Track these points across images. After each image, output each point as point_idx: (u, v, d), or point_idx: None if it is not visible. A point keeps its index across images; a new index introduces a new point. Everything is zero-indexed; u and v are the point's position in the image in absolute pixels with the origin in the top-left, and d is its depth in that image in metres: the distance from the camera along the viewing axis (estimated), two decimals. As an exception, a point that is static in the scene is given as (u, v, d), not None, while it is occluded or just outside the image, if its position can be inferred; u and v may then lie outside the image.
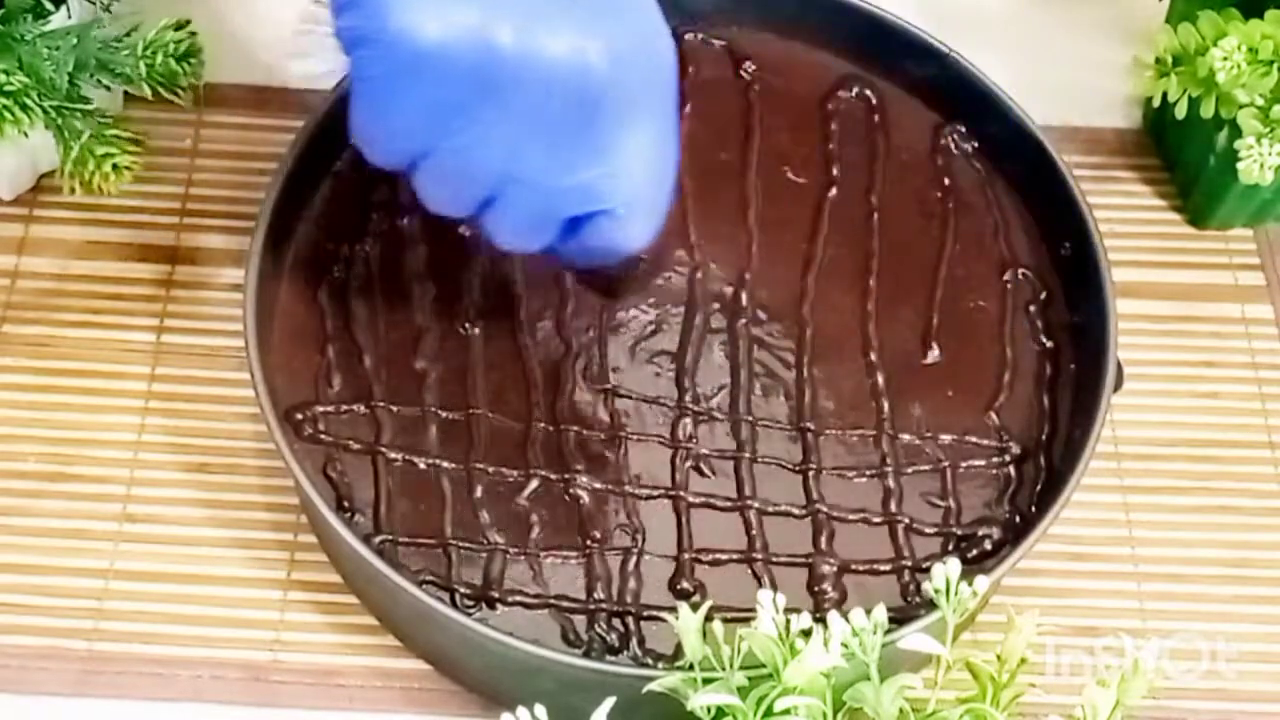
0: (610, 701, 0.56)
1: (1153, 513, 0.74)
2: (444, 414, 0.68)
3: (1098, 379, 0.67)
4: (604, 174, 0.58)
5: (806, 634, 0.56)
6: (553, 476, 0.67)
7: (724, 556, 0.66)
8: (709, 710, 0.57)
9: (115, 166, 0.72)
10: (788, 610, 0.56)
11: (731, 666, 0.57)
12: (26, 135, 0.70)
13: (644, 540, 0.66)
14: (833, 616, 0.56)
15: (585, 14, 0.56)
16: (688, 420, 0.69)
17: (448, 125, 0.57)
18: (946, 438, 0.69)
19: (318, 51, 0.66)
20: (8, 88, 0.68)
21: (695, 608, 0.57)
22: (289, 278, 0.70)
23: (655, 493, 0.67)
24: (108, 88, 0.73)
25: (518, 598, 0.65)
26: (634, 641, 0.64)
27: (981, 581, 0.58)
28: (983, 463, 0.69)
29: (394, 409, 0.68)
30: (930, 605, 0.59)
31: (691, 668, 0.57)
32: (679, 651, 0.59)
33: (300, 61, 0.66)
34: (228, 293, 0.76)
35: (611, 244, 0.61)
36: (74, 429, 0.73)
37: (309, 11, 0.67)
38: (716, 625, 0.57)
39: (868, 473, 0.68)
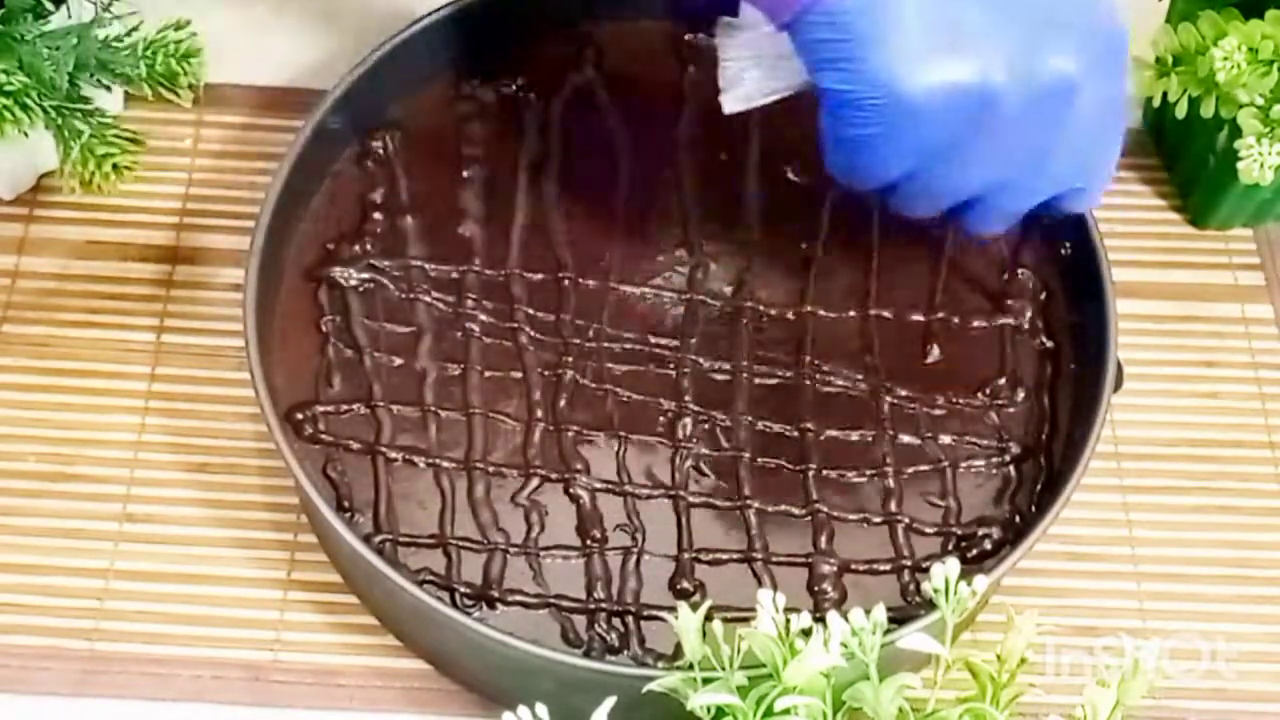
0: (610, 701, 0.56)
1: (1152, 513, 0.74)
2: (444, 414, 0.68)
3: (1098, 379, 0.67)
4: (1076, 163, 0.60)
5: (806, 634, 0.56)
6: (553, 476, 0.67)
7: (724, 556, 0.66)
8: (709, 710, 0.56)
9: (115, 166, 0.72)
10: (788, 610, 0.56)
11: (731, 666, 0.57)
12: (26, 135, 0.70)
13: (644, 540, 0.66)
14: (832, 616, 0.56)
15: (1062, 28, 0.56)
16: (688, 420, 0.69)
17: (936, 158, 0.57)
18: (946, 438, 0.69)
19: (745, 80, 0.62)
20: (8, 88, 0.68)
21: (695, 607, 0.57)
22: (289, 278, 0.70)
23: (655, 493, 0.67)
24: (108, 88, 0.73)
25: (518, 597, 0.65)
26: (634, 641, 0.64)
27: (981, 581, 0.58)
28: (983, 463, 0.69)
29: (394, 409, 0.68)
30: (930, 605, 0.59)
31: (691, 667, 0.57)
32: (679, 651, 0.59)
33: (733, 92, 0.62)
34: (228, 293, 0.76)
35: (1070, 211, 0.63)
36: (74, 429, 0.73)
37: (727, 33, 0.61)
38: (716, 625, 0.57)
39: (868, 473, 0.68)
